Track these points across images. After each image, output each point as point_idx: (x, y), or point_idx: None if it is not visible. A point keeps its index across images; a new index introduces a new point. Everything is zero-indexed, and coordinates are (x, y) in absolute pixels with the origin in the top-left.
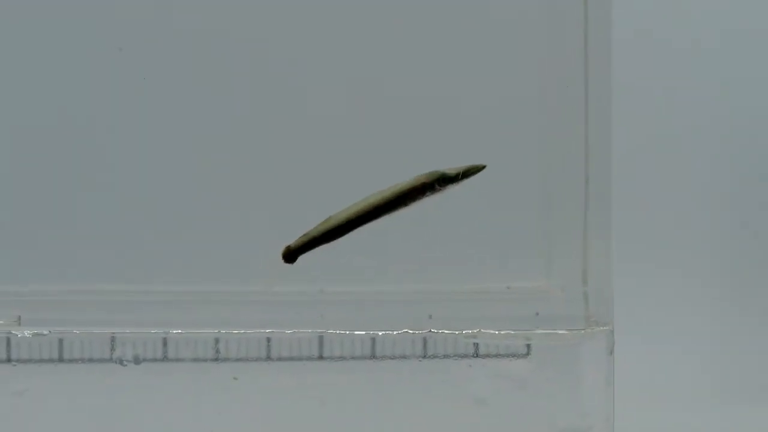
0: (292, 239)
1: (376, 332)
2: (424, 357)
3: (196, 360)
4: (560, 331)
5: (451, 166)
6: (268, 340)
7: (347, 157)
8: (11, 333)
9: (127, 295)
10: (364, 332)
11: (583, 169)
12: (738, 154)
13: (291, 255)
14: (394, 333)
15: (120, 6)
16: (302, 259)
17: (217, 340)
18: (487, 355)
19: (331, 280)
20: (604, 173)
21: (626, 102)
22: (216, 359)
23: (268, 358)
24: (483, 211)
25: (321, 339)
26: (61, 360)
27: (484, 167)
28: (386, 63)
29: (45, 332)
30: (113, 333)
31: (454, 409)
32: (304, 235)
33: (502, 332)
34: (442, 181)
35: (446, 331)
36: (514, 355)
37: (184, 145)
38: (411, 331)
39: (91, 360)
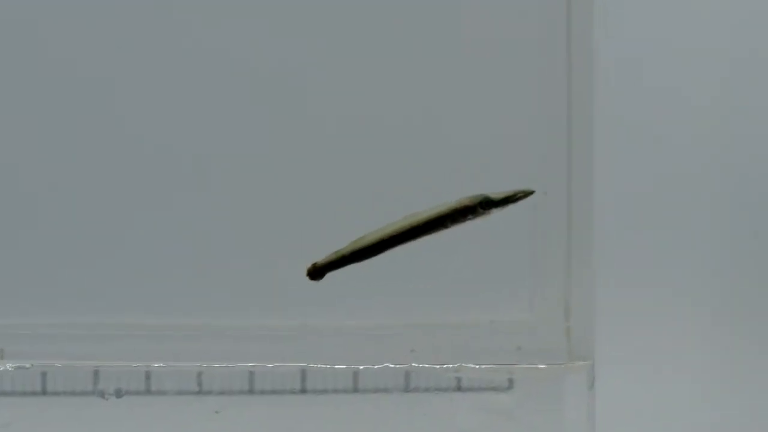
0: (276, 274)
1: (357, 366)
2: (407, 390)
3: (179, 393)
4: (541, 366)
5: (435, 199)
6: (251, 373)
7: (347, 190)
8: None
9: (110, 329)
10: (345, 366)
11: (566, 205)
12: (723, 185)
13: (318, 271)
14: (376, 367)
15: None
16: (286, 293)
17: (200, 374)
18: (470, 389)
19: (314, 313)
20: (586, 209)
21: (608, 139)
22: (198, 392)
23: (251, 391)
24: (467, 245)
25: (303, 372)
26: (44, 393)
27: (532, 192)
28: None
29: (27, 365)
30: (96, 366)
31: None
32: (334, 252)
33: (483, 367)
34: (485, 205)
35: (428, 365)
36: (496, 389)
37: (170, 178)
38: (393, 365)
39: (73, 393)
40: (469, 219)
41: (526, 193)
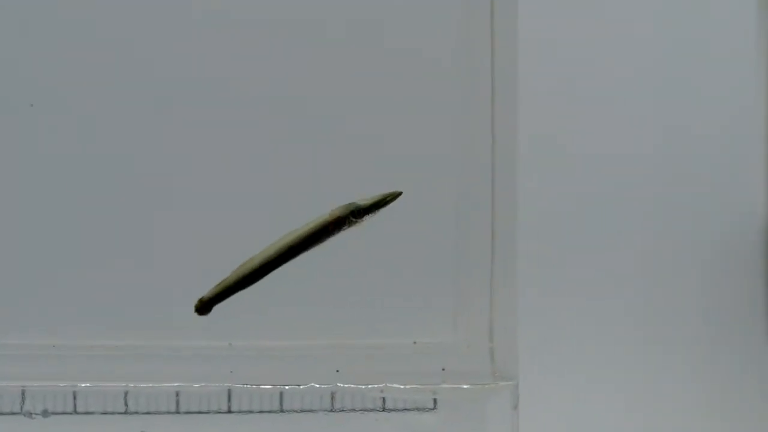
0: (201, 294)
1: (283, 386)
2: (332, 410)
3: (105, 413)
4: (465, 386)
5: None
6: (177, 393)
7: (260, 197)
8: None
9: (37, 349)
10: (271, 386)
11: (489, 225)
12: (649, 201)
13: (205, 306)
14: (301, 387)
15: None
16: (212, 313)
17: (126, 393)
18: (394, 409)
19: (240, 334)
20: (509, 230)
21: (532, 156)
22: (125, 412)
23: (177, 411)
24: (391, 266)
25: (229, 393)
26: None
27: (399, 194)
28: (300, 98)
29: None
30: (23, 386)
31: None
32: (218, 284)
33: (408, 386)
34: (356, 213)
35: (353, 386)
36: (420, 409)
37: (84, 198)
38: (318, 385)
39: (1, 413)
40: (344, 229)
41: (394, 196)
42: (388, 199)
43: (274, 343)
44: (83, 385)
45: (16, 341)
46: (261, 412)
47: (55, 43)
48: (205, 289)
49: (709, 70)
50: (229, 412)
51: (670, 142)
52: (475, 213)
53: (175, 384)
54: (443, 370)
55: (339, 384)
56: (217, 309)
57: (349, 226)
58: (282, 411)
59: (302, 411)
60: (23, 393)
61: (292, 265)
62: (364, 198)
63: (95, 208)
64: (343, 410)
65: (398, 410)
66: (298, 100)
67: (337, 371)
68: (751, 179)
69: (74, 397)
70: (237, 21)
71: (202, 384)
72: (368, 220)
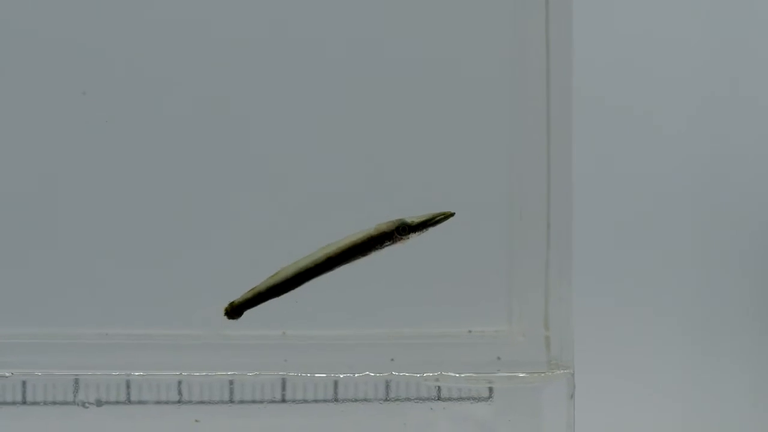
0: (256, 283)
1: (338, 375)
2: (386, 400)
3: (158, 402)
4: (521, 375)
5: (414, 214)
6: (231, 382)
7: (312, 202)
8: None
9: (90, 338)
10: (326, 375)
11: (545, 214)
12: (700, 192)
13: (235, 310)
14: (356, 376)
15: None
16: (266, 302)
17: (179, 383)
18: (449, 399)
19: (294, 323)
20: (565, 218)
21: (587, 148)
22: (179, 402)
23: (231, 401)
24: (445, 255)
25: (284, 382)
26: (24, 402)
27: (452, 214)
28: (343, 109)
29: (7, 374)
30: (76, 375)
31: None
32: (251, 289)
33: (463, 375)
34: (402, 230)
35: (408, 374)
36: (475, 399)
37: (133, 190)
38: (373, 374)
39: (54, 402)
40: (388, 245)
41: (446, 216)
42: (438, 218)
43: (328, 332)
44: (136, 374)
45: (69, 330)
46: (315, 401)
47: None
48: (259, 278)
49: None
50: (284, 401)
51: (721, 138)
52: (531, 201)
53: (229, 373)
54: (498, 359)
55: (394, 372)
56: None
57: (393, 243)
58: (336, 400)
59: (356, 400)
60: (76, 382)
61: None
62: (414, 216)
63: (145, 194)
64: (398, 399)
65: (453, 399)
66: (341, 109)
67: (392, 360)
68: None
69: (128, 387)
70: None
71: (256, 373)
72: (414, 238)
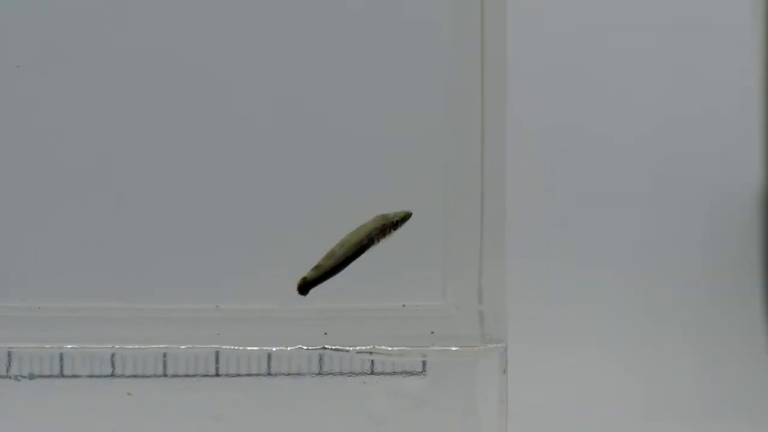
0: (190, 256)
1: (271, 348)
2: (320, 374)
3: (91, 376)
4: (454, 348)
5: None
6: (164, 355)
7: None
8: None
9: (22, 311)
10: (258, 348)
11: (478, 188)
12: (635, 171)
13: (306, 287)
14: (289, 349)
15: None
16: (199, 276)
17: (113, 356)
18: (383, 373)
19: (227, 296)
20: (498, 193)
21: (520, 118)
22: (111, 375)
23: (164, 374)
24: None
25: (217, 355)
26: None
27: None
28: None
29: None
30: (9, 348)
31: (349, 426)
32: (316, 267)
33: (396, 349)
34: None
35: (341, 348)
36: (409, 373)
37: (67, 157)
38: (306, 348)
39: None
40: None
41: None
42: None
43: (261, 305)
44: (69, 347)
45: (1, 303)
46: (249, 375)
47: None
48: (196, 252)
49: (706, 42)
50: (217, 375)
51: (668, 116)
52: (465, 176)
53: (162, 346)
54: (432, 333)
55: (327, 346)
56: (204, 271)
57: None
58: (270, 374)
59: (290, 374)
60: (9, 355)
61: (280, 229)
62: (393, 213)
63: (82, 167)
64: (331, 373)
65: (387, 373)
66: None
67: (325, 334)
68: (747, 151)
69: (61, 360)
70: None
71: (189, 346)
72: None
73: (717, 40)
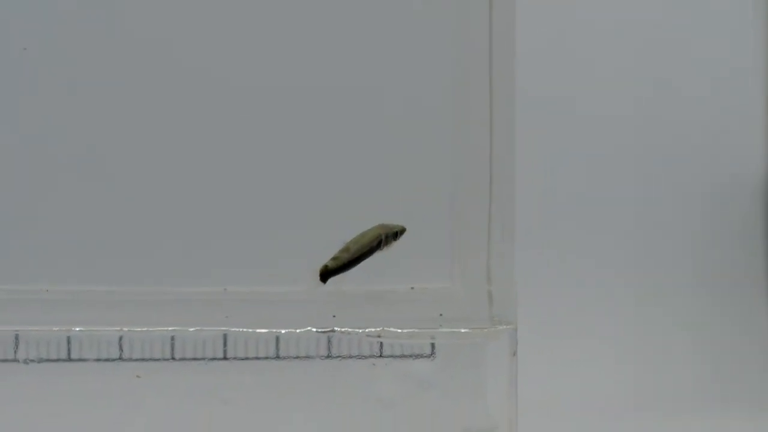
0: (197, 239)
1: (279, 330)
2: (328, 356)
3: (99, 359)
4: (463, 330)
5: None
6: (172, 338)
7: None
8: None
9: (30, 294)
10: (267, 330)
11: (487, 170)
12: (643, 155)
13: (327, 275)
14: (298, 331)
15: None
16: (206, 258)
17: (120, 338)
18: (391, 355)
19: (235, 279)
20: (507, 174)
21: (531, 108)
22: (119, 358)
23: (172, 357)
24: (387, 212)
25: (225, 338)
26: None
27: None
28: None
29: None
30: (17, 331)
31: (357, 409)
32: (335, 258)
33: (405, 331)
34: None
35: (350, 330)
36: (418, 355)
37: (78, 139)
38: (315, 330)
39: None
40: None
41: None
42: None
43: (269, 288)
44: (77, 329)
45: (9, 286)
46: (257, 358)
47: None
48: (203, 235)
49: (709, 36)
50: (225, 358)
51: (667, 96)
52: (473, 158)
53: (170, 329)
54: (441, 315)
55: (336, 328)
56: (212, 254)
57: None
58: (278, 357)
59: (298, 357)
60: (17, 338)
61: (287, 212)
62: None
63: (93, 150)
64: (340, 356)
65: (396, 356)
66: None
67: (334, 316)
68: (751, 149)
69: (68, 343)
70: None
71: (198, 328)
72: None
73: (719, 32)
